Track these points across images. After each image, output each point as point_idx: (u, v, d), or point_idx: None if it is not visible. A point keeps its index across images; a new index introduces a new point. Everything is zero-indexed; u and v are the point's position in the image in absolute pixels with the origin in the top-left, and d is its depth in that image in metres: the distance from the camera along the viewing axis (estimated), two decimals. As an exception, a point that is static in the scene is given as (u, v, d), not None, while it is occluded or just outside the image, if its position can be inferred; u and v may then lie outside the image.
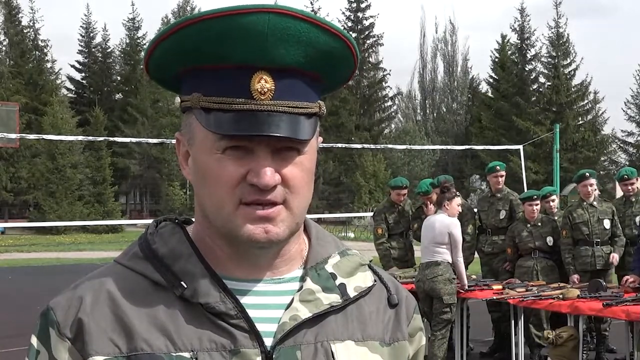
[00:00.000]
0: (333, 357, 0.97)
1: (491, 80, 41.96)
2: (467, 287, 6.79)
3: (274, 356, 0.94)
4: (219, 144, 0.92)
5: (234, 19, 0.88)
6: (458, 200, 6.72)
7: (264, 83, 0.91)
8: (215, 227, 0.96)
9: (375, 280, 1.06)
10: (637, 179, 7.47)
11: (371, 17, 43.15)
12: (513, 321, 6.73)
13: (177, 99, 0.99)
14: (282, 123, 0.91)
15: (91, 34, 46.33)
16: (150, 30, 49.06)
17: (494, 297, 6.65)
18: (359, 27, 42.88)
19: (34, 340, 0.97)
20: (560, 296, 6.20)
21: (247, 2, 0.91)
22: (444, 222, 6.49)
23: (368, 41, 42.86)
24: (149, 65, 0.98)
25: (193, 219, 1.06)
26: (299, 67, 0.93)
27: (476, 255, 8.00)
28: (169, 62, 0.96)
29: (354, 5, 42.86)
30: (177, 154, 1.02)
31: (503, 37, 41.02)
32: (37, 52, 40.94)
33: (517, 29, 40.42)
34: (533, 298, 6.36)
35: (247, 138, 0.91)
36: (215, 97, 0.92)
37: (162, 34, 0.93)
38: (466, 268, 7.46)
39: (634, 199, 7.39)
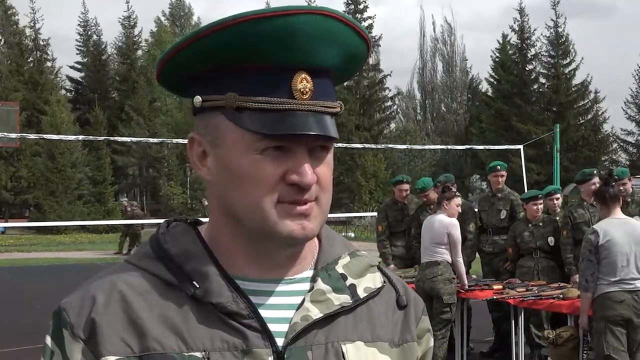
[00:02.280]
0: (344, 357, 0.98)
1: (492, 80, 41.94)
2: (467, 287, 6.80)
3: (285, 356, 0.95)
4: (259, 144, 0.92)
5: (284, 20, 0.89)
6: (458, 200, 6.73)
7: (305, 83, 0.93)
8: (246, 226, 0.96)
9: (384, 282, 1.07)
10: (629, 179, 7.45)
11: (369, 18, 43.15)
12: (513, 321, 6.74)
13: (198, 99, 0.96)
14: (318, 122, 0.93)
15: (89, 32, 46.15)
16: (145, 28, 48.95)
17: (494, 297, 6.65)
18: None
19: (48, 341, 0.97)
20: (561, 296, 6.21)
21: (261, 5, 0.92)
22: (443, 222, 6.51)
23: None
24: (170, 61, 0.97)
25: (201, 219, 1.07)
26: (331, 67, 0.96)
27: (477, 254, 8.01)
28: (203, 59, 0.94)
29: (352, 7, 42.82)
30: (190, 155, 1.01)
31: (504, 36, 41.01)
32: (37, 52, 40.87)
33: (517, 29, 40.39)
34: (533, 298, 6.37)
35: (288, 138, 0.92)
36: (254, 96, 0.92)
37: (207, 29, 0.92)
38: (469, 267, 7.48)
39: (629, 199, 7.37)
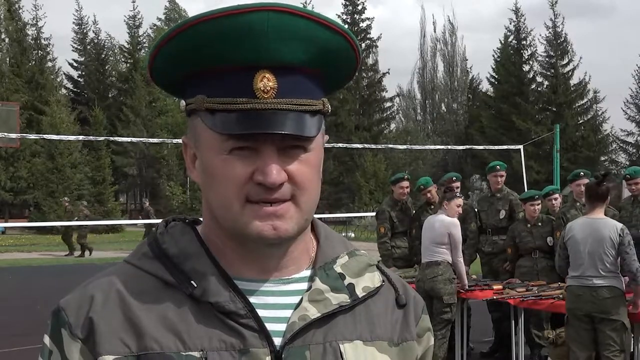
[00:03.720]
0: (342, 357, 0.97)
1: (492, 80, 41.97)
2: (467, 287, 6.80)
3: (283, 356, 0.94)
4: (225, 144, 0.93)
5: (234, 19, 0.89)
6: (459, 201, 6.71)
7: (266, 82, 0.92)
8: (224, 227, 0.97)
9: (383, 281, 1.07)
10: None
11: (367, 19, 43.17)
12: (513, 321, 6.74)
13: (182, 103, 0.99)
14: (286, 121, 0.91)
15: (84, 30, 45.99)
16: (150, 29, 48.92)
17: (494, 297, 6.65)
18: (355, 29, 42.76)
19: (46, 340, 0.97)
20: (561, 296, 6.20)
21: (243, 1, 0.91)
22: (444, 222, 6.51)
23: (365, 42, 42.78)
24: (152, 71, 0.99)
25: (199, 219, 1.07)
26: (300, 64, 0.94)
27: (477, 254, 8.01)
28: (171, 67, 0.96)
29: (350, 8, 42.83)
30: (185, 158, 1.03)
31: (506, 36, 41.02)
32: (39, 51, 40.79)
33: (513, 29, 40.45)
34: (533, 298, 6.37)
35: (252, 137, 0.91)
36: (219, 97, 0.92)
37: (162, 40, 0.93)
38: (469, 266, 7.48)
39: None
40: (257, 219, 0.93)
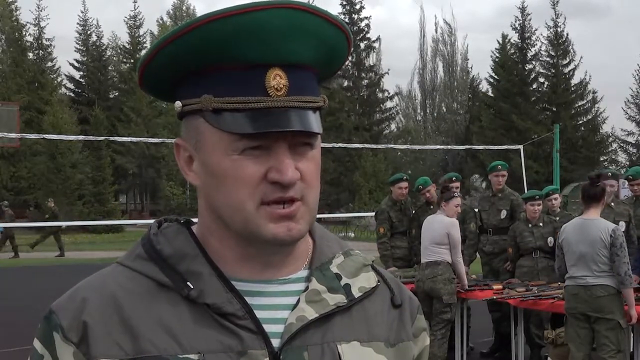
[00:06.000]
0: (340, 358, 0.97)
1: (492, 80, 41.91)
2: (467, 287, 6.80)
3: (281, 357, 0.93)
4: (237, 144, 0.91)
5: (247, 16, 0.88)
6: (457, 200, 6.70)
7: (279, 80, 0.91)
8: (232, 228, 0.95)
9: (378, 281, 1.06)
10: None
11: (366, 18, 43.07)
12: (513, 321, 6.74)
13: (178, 104, 0.95)
14: (297, 118, 0.91)
15: (88, 32, 46.00)
16: (150, 28, 48.98)
17: (494, 297, 6.65)
18: (354, 28, 42.69)
19: (37, 344, 0.96)
20: (561, 296, 6.20)
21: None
22: (444, 222, 6.51)
23: (364, 42, 42.71)
24: (146, 70, 0.96)
25: (194, 220, 1.05)
26: (308, 62, 0.93)
27: (477, 254, 8.00)
28: (173, 66, 0.94)
29: (348, 7, 42.75)
30: (178, 161, 1.00)
31: (504, 36, 40.96)
32: (40, 51, 40.76)
33: (518, 28, 40.36)
34: (533, 298, 6.36)
35: (264, 136, 0.90)
36: (229, 97, 0.91)
37: (167, 38, 0.91)
38: (469, 266, 7.49)
39: None
40: (272, 221, 0.92)
